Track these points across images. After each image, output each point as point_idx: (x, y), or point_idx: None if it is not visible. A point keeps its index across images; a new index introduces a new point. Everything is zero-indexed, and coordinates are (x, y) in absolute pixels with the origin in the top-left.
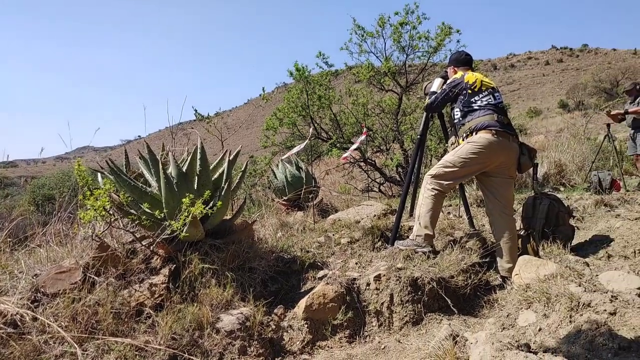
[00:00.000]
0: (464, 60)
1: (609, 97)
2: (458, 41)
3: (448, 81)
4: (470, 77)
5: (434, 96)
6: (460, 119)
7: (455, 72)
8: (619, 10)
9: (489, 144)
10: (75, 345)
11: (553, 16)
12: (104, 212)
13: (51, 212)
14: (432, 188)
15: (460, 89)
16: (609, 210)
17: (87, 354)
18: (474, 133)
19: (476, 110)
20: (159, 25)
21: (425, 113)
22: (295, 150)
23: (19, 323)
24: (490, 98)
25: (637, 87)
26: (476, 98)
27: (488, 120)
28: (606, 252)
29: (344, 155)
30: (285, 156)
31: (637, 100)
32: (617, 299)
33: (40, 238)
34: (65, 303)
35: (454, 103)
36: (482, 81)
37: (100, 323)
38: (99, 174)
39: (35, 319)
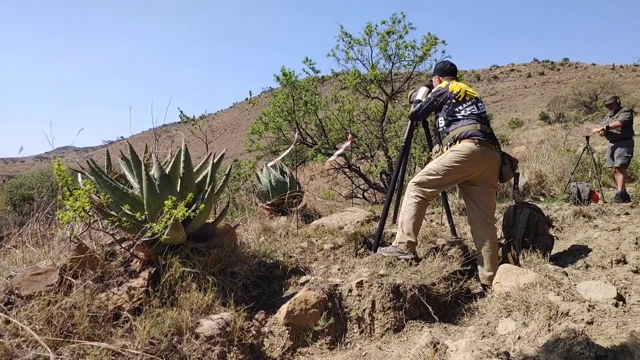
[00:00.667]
0: (448, 70)
1: (588, 111)
2: (443, 51)
3: (433, 90)
4: (455, 86)
5: (418, 105)
6: (444, 127)
7: (440, 82)
8: (599, 27)
9: (472, 152)
10: (49, 349)
11: (536, 30)
12: (83, 213)
13: (28, 212)
14: (416, 195)
15: (444, 98)
16: (588, 221)
17: (61, 359)
18: (457, 142)
19: (460, 119)
20: (145, 30)
21: (410, 121)
22: (282, 156)
23: None
24: (473, 108)
25: (617, 100)
26: (460, 107)
27: (471, 130)
28: (584, 262)
29: (329, 159)
30: (271, 163)
31: (617, 114)
32: (594, 308)
33: (16, 238)
34: (40, 306)
35: (439, 112)
36: (466, 91)
37: (76, 327)
38: (79, 175)
39: (8, 321)
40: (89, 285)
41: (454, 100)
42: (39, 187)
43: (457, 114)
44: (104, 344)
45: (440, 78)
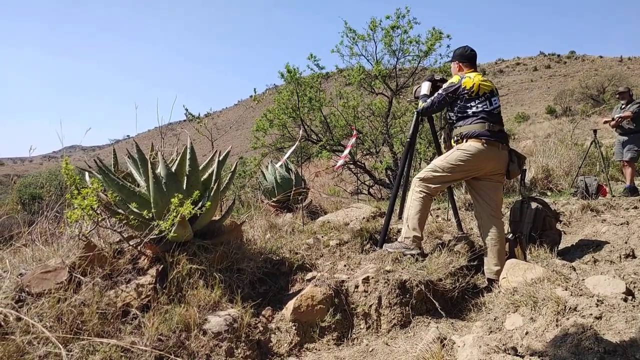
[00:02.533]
0: (468, 56)
1: (596, 104)
2: (448, 46)
3: (445, 85)
4: (468, 81)
5: (429, 100)
6: (454, 121)
7: (460, 68)
8: (606, 18)
9: (478, 152)
10: (60, 345)
11: (542, 23)
12: (91, 212)
13: (37, 211)
14: (420, 191)
15: (457, 94)
16: (595, 215)
17: (71, 355)
18: (464, 140)
19: (470, 116)
20: (149, 29)
21: (415, 116)
22: (288, 154)
23: (2, 323)
24: (486, 104)
25: (631, 92)
26: (472, 103)
27: (478, 129)
28: (592, 257)
29: (339, 164)
30: (279, 163)
31: (629, 105)
32: (602, 303)
33: (26, 237)
34: (50, 303)
35: (449, 106)
36: (480, 85)
37: (85, 323)
38: (86, 173)
39: (19, 319)
40: (97, 282)
41: (466, 96)
42: (47, 186)
43: (468, 110)
44: (113, 340)
45: (460, 64)
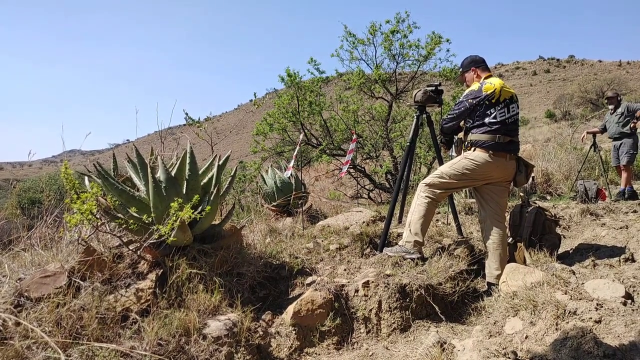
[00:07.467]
0: (481, 60)
1: (595, 108)
2: (448, 50)
3: (465, 92)
4: (489, 87)
5: (448, 115)
6: (468, 125)
7: (478, 75)
8: (605, 23)
9: (485, 162)
10: (59, 350)
11: (541, 27)
12: (90, 216)
13: (37, 216)
14: (426, 196)
15: (478, 102)
16: (595, 219)
17: None
18: (473, 148)
19: (484, 125)
20: (150, 36)
21: (415, 120)
22: (292, 162)
23: (1, 328)
24: (504, 112)
25: (619, 97)
26: (491, 111)
27: (488, 140)
28: (592, 261)
29: (343, 170)
30: (287, 173)
31: (617, 110)
32: (602, 307)
33: (25, 242)
34: (49, 308)
35: (469, 114)
36: (501, 90)
37: (85, 328)
38: (86, 178)
39: (18, 323)
40: (97, 287)
41: (487, 102)
42: (47, 191)
43: (485, 118)
44: (112, 345)
45: (476, 70)
